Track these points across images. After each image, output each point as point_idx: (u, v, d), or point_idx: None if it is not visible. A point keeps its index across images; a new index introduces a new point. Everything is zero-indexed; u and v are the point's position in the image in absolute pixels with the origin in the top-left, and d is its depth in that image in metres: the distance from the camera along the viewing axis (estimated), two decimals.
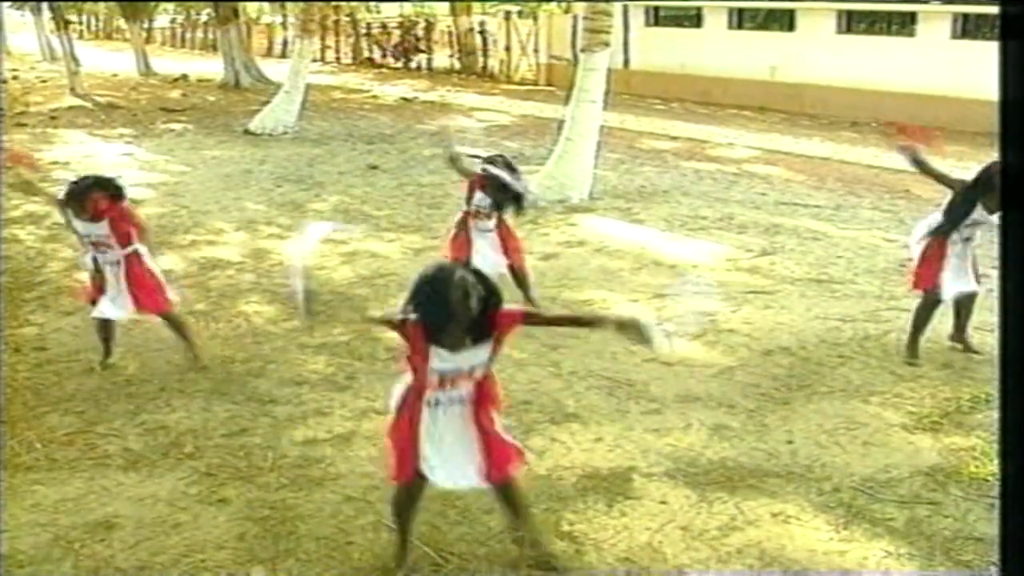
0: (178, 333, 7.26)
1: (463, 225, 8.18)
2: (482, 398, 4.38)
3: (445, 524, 4.99)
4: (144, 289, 6.97)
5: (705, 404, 6.51)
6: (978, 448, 5.78)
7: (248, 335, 7.93)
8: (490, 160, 8.06)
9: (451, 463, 4.36)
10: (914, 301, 7.85)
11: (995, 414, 6.23)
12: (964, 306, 7.26)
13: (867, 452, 5.80)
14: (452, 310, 3.99)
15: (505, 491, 4.58)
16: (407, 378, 4.37)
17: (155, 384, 6.90)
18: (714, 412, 6.38)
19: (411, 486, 4.46)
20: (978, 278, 7.17)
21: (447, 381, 4.25)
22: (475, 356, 4.22)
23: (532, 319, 4.52)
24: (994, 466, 5.52)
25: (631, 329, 4.25)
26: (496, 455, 4.42)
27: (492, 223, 8.14)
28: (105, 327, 7.14)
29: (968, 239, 6.99)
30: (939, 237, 6.99)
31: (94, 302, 6.98)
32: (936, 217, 7.08)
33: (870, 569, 4.66)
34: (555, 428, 6.14)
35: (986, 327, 7.48)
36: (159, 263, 7.33)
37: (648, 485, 5.43)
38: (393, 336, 4.66)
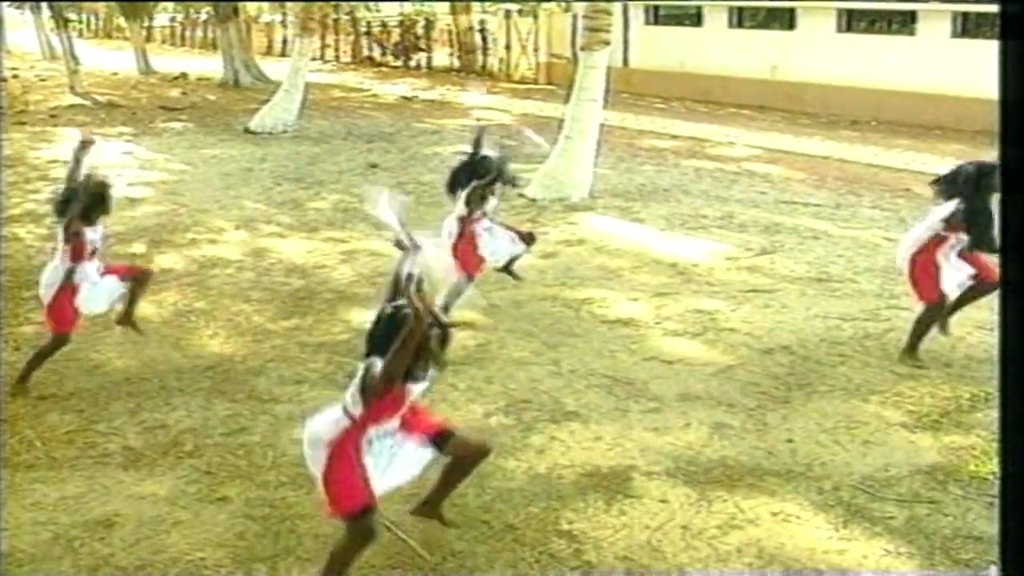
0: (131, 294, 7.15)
1: (464, 230, 7.89)
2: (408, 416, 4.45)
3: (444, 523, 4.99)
4: (120, 269, 7.02)
5: (705, 403, 6.51)
6: (978, 447, 5.79)
7: (248, 333, 7.93)
8: (472, 161, 7.99)
9: (397, 467, 4.38)
10: (914, 301, 7.85)
11: (995, 413, 6.24)
12: (966, 295, 7.19)
13: (867, 451, 5.80)
14: (433, 347, 4.15)
15: (442, 443, 4.55)
16: (339, 422, 4.27)
17: (155, 383, 6.90)
18: (714, 411, 6.38)
19: (368, 521, 4.27)
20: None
21: (400, 413, 4.33)
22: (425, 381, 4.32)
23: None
24: (994, 465, 5.52)
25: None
26: (421, 427, 4.49)
27: (488, 221, 8.08)
28: (48, 354, 6.84)
29: (956, 245, 6.95)
30: (933, 243, 6.95)
31: (65, 327, 6.76)
32: (921, 229, 7.04)
33: (869, 568, 4.66)
34: (555, 427, 6.15)
35: (986, 326, 7.49)
36: (159, 262, 7.33)
37: (648, 484, 5.44)
38: None
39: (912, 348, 7.16)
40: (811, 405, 6.46)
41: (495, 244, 8.05)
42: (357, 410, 4.24)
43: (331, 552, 4.39)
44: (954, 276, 6.99)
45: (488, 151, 8.10)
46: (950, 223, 6.89)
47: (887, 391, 6.65)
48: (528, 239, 8.43)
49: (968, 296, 7.17)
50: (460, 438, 4.64)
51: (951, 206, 6.89)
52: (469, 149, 8.21)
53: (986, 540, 4.83)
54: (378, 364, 4.16)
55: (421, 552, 4.75)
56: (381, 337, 4.20)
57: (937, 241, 6.96)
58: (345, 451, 4.22)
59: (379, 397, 4.20)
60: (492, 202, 8.00)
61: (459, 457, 4.65)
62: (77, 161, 6.70)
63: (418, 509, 4.87)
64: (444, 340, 4.28)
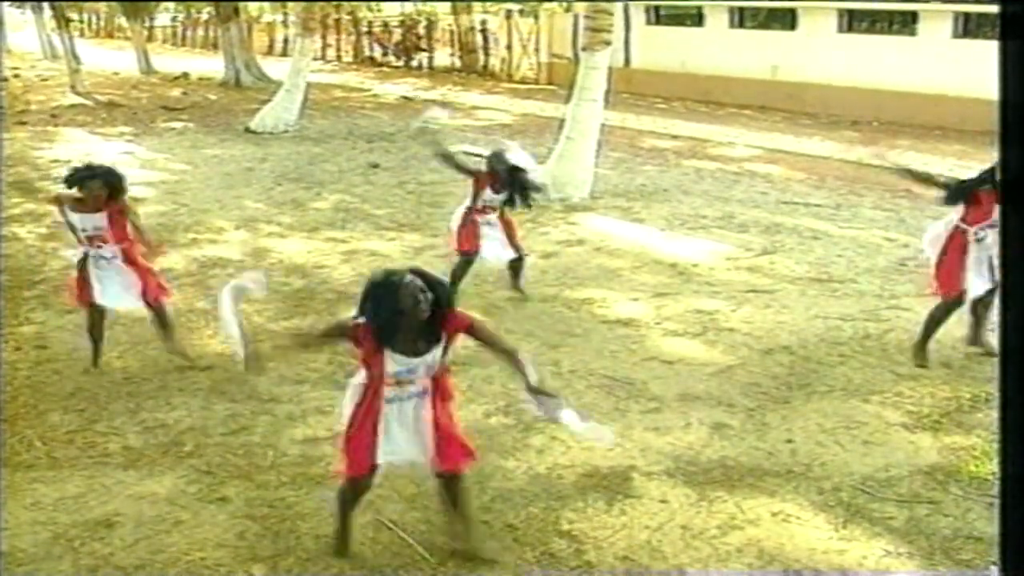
0: (162, 327, 7.24)
1: (468, 219, 8.41)
2: (437, 393, 4.47)
3: (443, 523, 4.99)
4: (145, 279, 7.02)
5: (705, 403, 6.51)
6: (978, 447, 5.79)
7: (248, 333, 7.90)
8: (496, 156, 8.26)
9: (400, 445, 4.45)
10: (914, 301, 7.87)
11: (995, 413, 6.23)
12: (982, 307, 7.11)
13: (867, 451, 5.80)
14: (401, 316, 4.16)
15: (450, 483, 4.65)
16: (360, 377, 4.46)
17: (155, 382, 6.90)
18: (714, 411, 6.38)
19: (364, 479, 4.56)
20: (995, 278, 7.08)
21: (403, 381, 4.35)
22: (428, 357, 4.33)
23: (475, 331, 4.51)
24: (994, 465, 5.52)
25: (542, 400, 4.38)
26: (446, 447, 4.50)
27: (496, 216, 8.40)
28: (97, 327, 7.11)
29: (982, 239, 6.89)
30: (956, 239, 6.92)
31: (83, 301, 6.99)
32: (951, 219, 7.01)
33: (869, 568, 4.66)
34: (555, 426, 6.10)
35: (987, 326, 7.49)
36: (160, 261, 7.33)
37: (648, 484, 5.43)
38: None
39: (923, 344, 7.12)
40: (811, 405, 6.45)
41: (487, 243, 8.41)
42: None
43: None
44: (978, 279, 6.92)
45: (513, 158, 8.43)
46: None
47: (887, 391, 6.65)
48: (518, 255, 8.65)
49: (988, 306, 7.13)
50: (458, 484, 4.67)
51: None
52: (475, 150, 8.50)
53: (986, 540, 4.83)
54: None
55: (423, 553, 4.75)
56: (363, 300, 4.30)
57: (960, 235, 6.91)
58: (362, 411, 4.42)
59: (363, 357, 4.34)
60: (498, 197, 8.34)
61: (444, 488, 4.71)
62: None
63: (456, 544, 4.79)
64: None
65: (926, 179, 7.50)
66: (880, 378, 6.89)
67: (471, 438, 4.88)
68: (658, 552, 4.79)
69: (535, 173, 8.61)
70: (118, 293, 6.95)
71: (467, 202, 8.44)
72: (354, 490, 4.63)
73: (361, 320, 4.28)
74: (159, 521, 5.08)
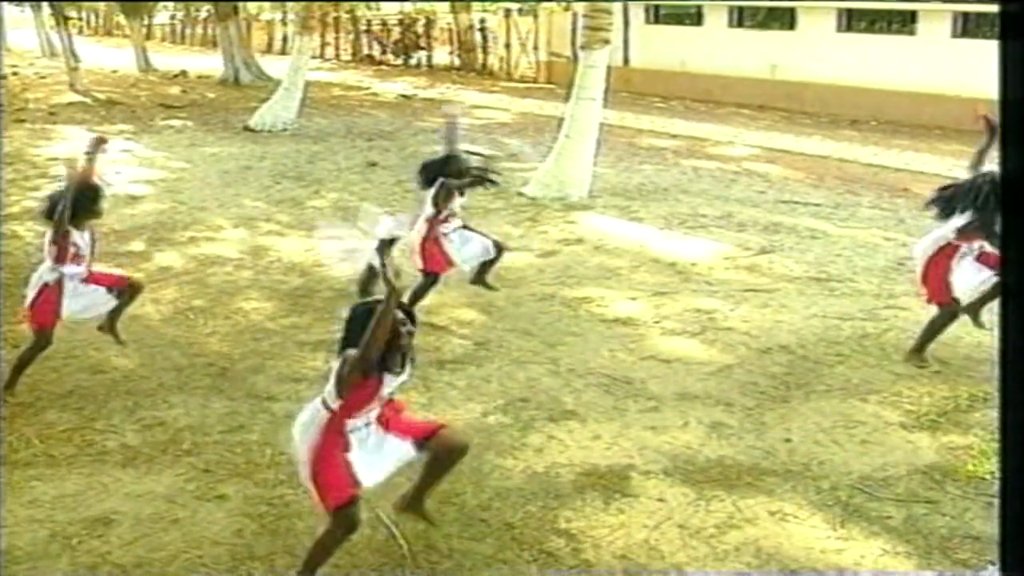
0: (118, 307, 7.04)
1: (432, 233, 7.83)
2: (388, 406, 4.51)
3: (443, 522, 4.99)
4: (108, 279, 6.90)
5: (703, 402, 6.51)
6: (976, 447, 5.79)
7: (246, 331, 7.93)
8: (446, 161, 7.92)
9: (383, 452, 4.44)
10: (913, 301, 7.87)
11: (994, 413, 6.24)
12: (977, 301, 7.14)
13: (865, 450, 5.80)
14: (403, 342, 4.28)
15: (439, 454, 4.61)
16: (318, 416, 4.37)
17: (153, 381, 6.90)
18: (712, 410, 6.38)
19: (350, 509, 4.31)
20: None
21: (372, 408, 4.39)
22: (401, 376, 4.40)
23: None
24: (992, 464, 5.53)
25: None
26: (416, 429, 4.56)
27: (459, 221, 7.99)
28: (34, 351, 6.79)
29: (968, 253, 6.89)
30: (945, 252, 6.92)
31: (44, 328, 6.73)
32: (941, 233, 7.00)
33: (867, 567, 4.66)
34: (553, 425, 6.15)
35: (985, 326, 7.50)
36: (158, 259, 7.32)
37: (646, 483, 5.44)
38: None
39: (920, 348, 7.11)
40: (809, 404, 6.46)
41: (466, 248, 7.96)
42: (335, 403, 4.33)
43: (315, 542, 4.43)
44: (968, 280, 6.93)
45: (460, 149, 8.12)
46: (963, 232, 6.84)
47: (885, 391, 6.65)
48: (499, 249, 8.18)
49: (992, 293, 7.10)
50: (441, 436, 4.62)
51: (964, 218, 6.83)
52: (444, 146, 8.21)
53: (983, 540, 4.83)
54: (352, 354, 4.25)
55: (407, 552, 4.76)
56: (355, 331, 4.27)
57: (951, 250, 6.91)
58: (327, 445, 4.31)
59: (354, 386, 4.27)
60: (458, 201, 7.91)
61: (439, 453, 4.63)
62: (90, 160, 6.71)
63: (400, 505, 4.83)
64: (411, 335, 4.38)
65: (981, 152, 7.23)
66: (878, 377, 6.89)
67: (469, 437, 4.88)
68: (656, 551, 4.79)
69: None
70: (86, 307, 6.80)
71: (428, 211, 7.85)
72: (345, 526, 4.34)
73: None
74: (157, 519, 5.09)
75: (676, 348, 7.53)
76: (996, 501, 5.18)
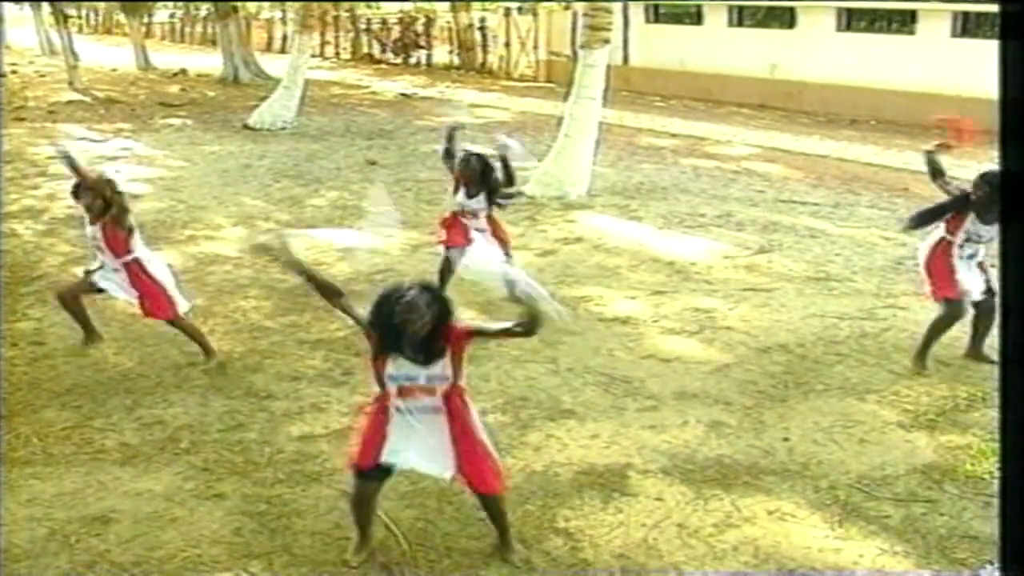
0: (189, 336, 7.23)
1: (455, 219, 8.27)
2: (453, 410, 4.48)
3: (441, 521, 5.00)
4: (148, 297, 6.96)
5: (702, 401, 6.51)
6: (974, 446, 5.79)
7: (245, 330, 7.93)
8: (465, 160, 8.09)
9: (419, 450, 4.47)
10: (912, 300, 7.87)
11: (992, 412, 6.25)
12: (983, 318, 7.01)
13: (863, 450, 5.80)
14: (400, 327, 4.23)
15: (487, 502, 4.69)
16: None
17: (152, 379, 6.90)
18: (711, 409, 6.38)
19: (370, 478, 4.54)
20: (991, 290, 7.05)
21: (406, 390, 4.39)
22: (431, 369, 4.36)
23: (477, 335, 4.60)
24: (990, 464, 5.54)
25: (530, 316, 4.44)
26: (475, 467, 4.53)
27: (482, 222, 8.21)
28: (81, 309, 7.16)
29: (972, 256, 6.87)
30: (941, 247, 6.91)
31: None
32: (937, 234, 6.99)
33: (865, 567, 4.66)
34: (552, 424, 6.15)
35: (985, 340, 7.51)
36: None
37: (644, 482, 5.44)
38: None
39: (923, 352, 7.02)
40: (808, 404, 6.46)
41: (478, 245, 8.17)
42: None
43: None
44: (973, 279, 6.90)
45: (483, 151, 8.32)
46: (952, 221, 6.84)
47: (884, 390, 6.65)
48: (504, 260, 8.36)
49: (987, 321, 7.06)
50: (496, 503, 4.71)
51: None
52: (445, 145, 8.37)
53: (982, 539, 4.84)
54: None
55: (407, 550, 4.76)
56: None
57: (946, 244, 6.90)
58: (373, 413, 4.49)
59: (372, 361, 4.42)
60: (465, 201, 8.15)
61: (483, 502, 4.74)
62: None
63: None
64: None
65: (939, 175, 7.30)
66: (877, 377, 6.89)
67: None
68: (654, 550, 4.79)
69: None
70: (119, 287, 6.94)
71: (452, 205, 8.32)
72: (359, 484, 4.58)
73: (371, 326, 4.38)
74: (155, 518, 5.09)
75: (675, 347, 7.53)
76: (995, 501, 5.19)
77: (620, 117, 20.15)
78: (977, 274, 6.87)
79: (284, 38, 40.83)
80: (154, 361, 7.22)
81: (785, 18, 24.14)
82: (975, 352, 7.14)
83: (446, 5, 35.09)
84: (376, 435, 4.46)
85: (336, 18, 40.27)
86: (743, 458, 5.71)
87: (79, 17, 58.67)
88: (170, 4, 52.56)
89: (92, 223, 6.80)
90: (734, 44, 24.57)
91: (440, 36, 35.67)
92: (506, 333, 4.60)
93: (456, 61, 33.94)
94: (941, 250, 6.88)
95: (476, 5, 35.75)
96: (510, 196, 8.42)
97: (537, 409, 6.36)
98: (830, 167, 15.94)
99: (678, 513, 5.12)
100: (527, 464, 5.63)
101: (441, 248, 8.37)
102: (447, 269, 8.15)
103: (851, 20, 22.88)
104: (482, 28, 33.21)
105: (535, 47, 30.62)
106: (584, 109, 13.30)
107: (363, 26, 39.85)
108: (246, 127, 19.91)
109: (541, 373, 6.98)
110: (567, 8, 29.57)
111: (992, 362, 6.95)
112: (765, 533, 4.93)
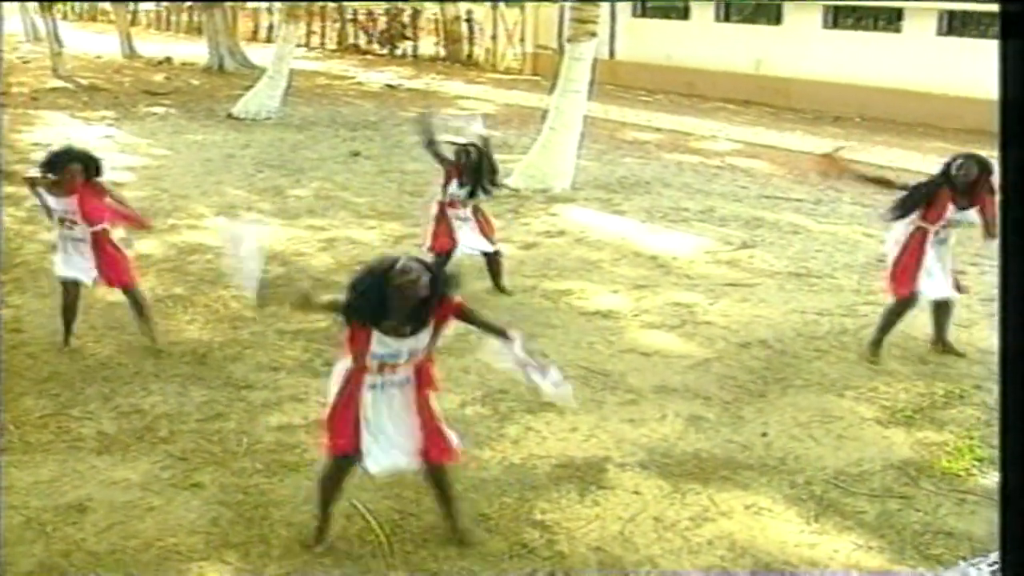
0: (137, 312, 7.26)
1: (441, 215, 8.37)
2: (422, 382, 4.55)
3: (419, 510, 5.00)
4: (110, 265, 7.05)
5: (681, 395, 6.53)
6: (950, 443, 5.83)
7: (226, 320, 7.90)
8: (464, 148, 8.20)
9: (385, 447, 4.50)
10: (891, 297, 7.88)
11: (969, 410, 6.29)
12: (942, 312, 7.20)
13: (840, 445, 5.83)
14: (397, 291, 4.19)
15: (435, 474, 4.71)
16: (343, 364, 4.53)
17: (130, 368, 6.88)
18: (690, 403, 6.40)
19: (342, 462, 4.57)
20: (959, 286, 7.15)
21: (387, 366, 4.39)
22: (415, 342, 4.37)
23: (464, 315, 4.59)
24: (966, 461, 5.59)
25: (527, 368, 4.54)
26: (431, 441, 4.58)
27: (468, 211, 8.37)
28: (70, 308, 7.15)
29: (944, 240, 6.96)
30: (916, 238, 6.97)
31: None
32: (911, 218, 7.04)
33: (840, 562, 4.69)
34: (531, 417, 6.15)
35: (962, 323, 7.56)
36: (138, 247, 7.31)
37: (622, 475, 5.45)
38: None
39: (878, 342, 7.17)
40: (786, 399, 6.48)
41: (464, 234, 8.37)
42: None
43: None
44: (938, 277, 6.97)
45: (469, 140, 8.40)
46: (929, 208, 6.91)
47: (862, 386, 6.68)
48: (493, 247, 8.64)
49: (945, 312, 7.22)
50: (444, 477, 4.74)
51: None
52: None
53: (956, 536, 4.87)
54: None
55: (383, 541, 4.76)
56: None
57: (920, 234, 6.95)
58: (343, 394, 4.49)
59: (350, 333, 4.39)
60: (456, 191, 8.28)
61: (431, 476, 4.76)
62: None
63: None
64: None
65: (882, 182, 7.59)
66: (855, 373, 6.93)
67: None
68: (630, 543, 4.81)
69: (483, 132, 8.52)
70: (81, 269, 6.99)
71: (438, 195, 8.40)
72: (336, 470, 4.61)
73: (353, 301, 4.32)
74: (132, 507, 5.07)
75: (655, 341, 7.55)
76: (970, 497, 5.23)
77: (605, 111, 20.15)
78: (945, 272, 6.96)
79: (270, 27, 40.63)
80: (133, 350, 7.20)
81: (771, 14, 24.18)
82: (942, 343, 7.25)
83: None
84: (351, 418, 4.46)
85: (323, 8, 40.11)
86: (721, 452, 5.73)
87: (64, 4, 58.32)
88: None
89: (67, 195, 6.82)
90: (720, 40, 24.60)
91: (426, 27, 35.56)
92: (489, 329, 4.59)
93: (442, 53, 33.86)
94: (916, 240, 6.93)
95: None
96: (498, 185, 8.59)
97: (516, 402, 6.36)
98: (814, 164, 15.93)
99: (655, 506, 5.13)
100: (505, 456, 5.64)
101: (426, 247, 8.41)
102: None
103: (837, 17, 22.94)
104: (469, 20, 33.12)
105: (522, 40, 30.58)
106: (569, 102, 13.30)
107: (349, 17, 39.71)
108: (230, 116, 19.82)
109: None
110: (554, 1, 29.57)
111: (960, 354, 7.15)
112: (741, 527, 4.95)
